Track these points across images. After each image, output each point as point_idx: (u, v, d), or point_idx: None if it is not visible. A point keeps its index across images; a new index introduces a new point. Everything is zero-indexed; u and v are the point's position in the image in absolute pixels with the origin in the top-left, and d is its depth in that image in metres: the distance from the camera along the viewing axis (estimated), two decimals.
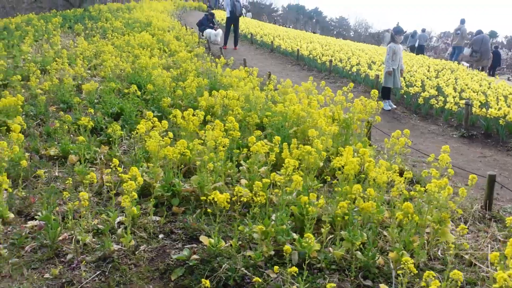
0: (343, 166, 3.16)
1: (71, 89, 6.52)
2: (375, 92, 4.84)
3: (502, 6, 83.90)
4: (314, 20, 44.25)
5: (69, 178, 3.52)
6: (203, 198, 3.23)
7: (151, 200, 3.22)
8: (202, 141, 3.65)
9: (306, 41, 12.60)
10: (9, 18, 13.44)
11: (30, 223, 3.23)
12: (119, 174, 3.22)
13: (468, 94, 6.79)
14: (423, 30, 16.55)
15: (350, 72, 8.47)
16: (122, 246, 2.88)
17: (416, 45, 15.75)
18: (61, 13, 14.78)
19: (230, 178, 3.69)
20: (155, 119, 4.11)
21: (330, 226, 2.93)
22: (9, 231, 3.15)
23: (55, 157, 4.43)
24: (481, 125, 6.20)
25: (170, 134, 3.72)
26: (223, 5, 26.32)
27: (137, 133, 3.86)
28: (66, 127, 4.54)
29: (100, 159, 4.33)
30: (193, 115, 4.18)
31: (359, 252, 2.80)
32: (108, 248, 2.80)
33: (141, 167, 3.78)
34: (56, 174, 4.06)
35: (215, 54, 10.04)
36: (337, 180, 3.39)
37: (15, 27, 11.96)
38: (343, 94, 5.01)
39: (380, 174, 3.10)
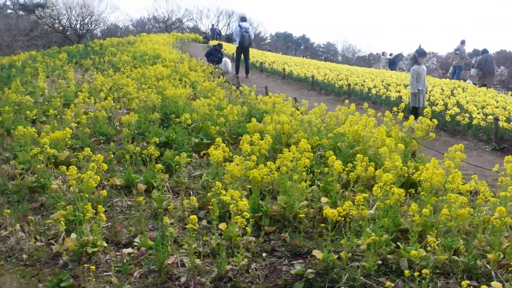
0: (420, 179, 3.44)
1: (104, 121, 6.70)
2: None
3: (481, 25, 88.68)
4: (302, 47, 46.04)
5: (151, 205, 3.67)
6: (301, 215, 3.46)
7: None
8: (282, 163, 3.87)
9: (313, 67, 13.20)
10: (11, 56, 13.61)
11: (126, 250, 3.35)
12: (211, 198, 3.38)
13: (490, 109, 7.28)
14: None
15: (370, 94, 8.93)
16: (233, 266, 3.03)
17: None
18: (64, 49, 15.05)
19: (311, 197, 3.90)
20: (223, 144, 4.34)
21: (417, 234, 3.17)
22: (108, 259, 3.26)
23: (119, 187, 4.57)
24: (510, 138, 6.64)
25: (254, 157, 3.93)
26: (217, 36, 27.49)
27: (207, 158, 4.08)
28: (128, 157, 4.69)
29: (167, 186, 4.48)
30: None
31: (455, 256, 3.05)
32: (223, 268, 2.94)
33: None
34: (129, 203, 4.20)
35: (230, 83, 10.41)
36: (415, 192, 3.68)
37: (21, 64, 12.14)
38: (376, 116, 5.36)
39: (461, 184, 3.39)
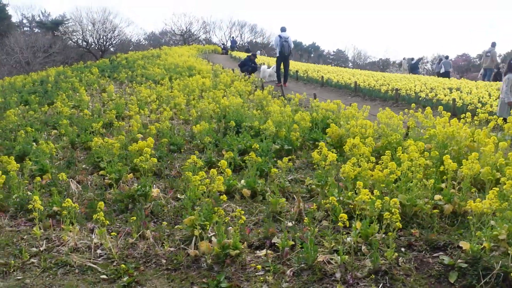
0: None
1: (168, 132, 6.84)
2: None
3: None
4: (312, 55, 46.78)
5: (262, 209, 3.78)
6: (435, 211, 3.58)
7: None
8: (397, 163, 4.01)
9: (346, 73, 13.45)
10: (39, 72, 13.84)
11: (263, 252, 3.45)
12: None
13: None
14: (446, 57, 17.82)
15: (420, 98, 9.10)
16: (385, 260, 3.14)
17: (442, 71, 16.88)
18: (91, 64, 15.29)
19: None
20: (326, 149, 4.49)
21: None
22: (250, 260, 3.36)
23: (220, 193, 4.69)
24: None
25: (373, 159, 4.07)
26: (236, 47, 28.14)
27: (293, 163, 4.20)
28: (226, 164, 4.81)
29: (269, 190, 4.61)
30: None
31: None
32: (378, 263, 3.05)
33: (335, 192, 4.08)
34: (241, 208, 4.31)
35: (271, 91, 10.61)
36: None
37: (54, 79, 12.34)
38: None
39: None
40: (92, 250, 3.62)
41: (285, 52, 11.49)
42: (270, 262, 3.23)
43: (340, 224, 3.27)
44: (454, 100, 8.09)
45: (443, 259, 3.10)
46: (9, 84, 12.48)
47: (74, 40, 25.67)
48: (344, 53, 51.26)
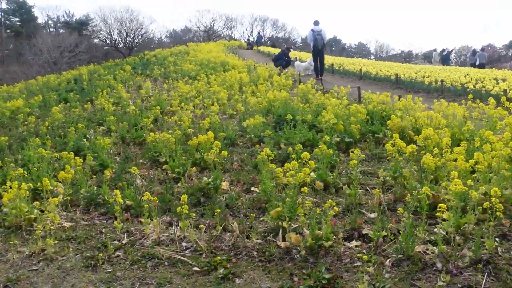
0: None
1: (219, 126, 6.85)
2: None
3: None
4: (333, 48, 46.64)
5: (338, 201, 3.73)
6: None
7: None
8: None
9: (383, 66, 13.29)
10: (69, 71, 14.10)
11: (353, 243, 3.42)
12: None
13: None
14: (482, 49, 17.48)
15: (468, 89, 8.90)
16: (484, 250, 3.07)
17: (477, 63, 16.55)
18: (122, 62, 15.47)
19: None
20: (399, 141, 4.42)
21: None
22: (345, 251, 3.33)
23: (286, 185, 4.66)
24: None
25: (436, 150, 4.02)
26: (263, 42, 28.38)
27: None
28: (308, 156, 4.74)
29: (340, 182, 4.57)
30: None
31: None
32: (479, 252, 2.99)
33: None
34: (317, 200, 4.28)
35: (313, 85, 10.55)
36: None
37: (88, 78, 12.52)
38: None
39: None
40: (177, 243, 3.64)
41: (318, 46, 11.46)
42: (366, 253, 3.20)
43: (439, 214, 3.22)
44: (505, 91, 7.90)
45: None
46: (44, 83, 12.71)
47: (102, 40, 26.22)
48: (366, 46, 51.17)
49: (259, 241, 3.55)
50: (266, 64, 14.01)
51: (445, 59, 18.87)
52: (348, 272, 3.06)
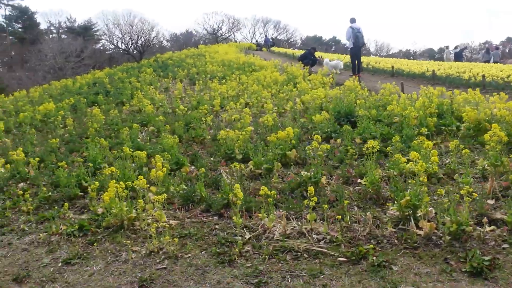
0: None
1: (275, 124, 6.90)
2: None
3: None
4: (332, 49, 47.48)
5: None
6: None
7: None
8: None
9: (410, 63, 13.57)
10: (83, 75, 13.98)
11: (488, 228, 3.49)
12: None
13: None
14: (497, 48, 17.98)
15: (511, 84, 9.15)
16: None
17: (491, 61, 16.96)
18: (138, 65, 15.42)
19: None
20: (499, 131, 4.55)
21: None
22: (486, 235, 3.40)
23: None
24: None
25: None
26: (271, 43, 28.94)
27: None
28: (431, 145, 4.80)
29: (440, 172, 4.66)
30: None
31: None
32: None
33: None
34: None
35: (339, 83, 10.69)
36: None
37: (108, 81, 12.42)
38: None
39: None
40: (307, 235, 3.67)
41: (360, 43, 11.61)
42: (507, 236, 3.29)
43: None
44: None
45: None
46: (62, 87, 12.57)
47: (113, 43, 26.09)
48: (365, 45, 52.50)
49: (393, 230, 3.61)
50: (292, 63, 14.13)
51: (458, 56, 19.32)
52: (500, 254, 3.14)
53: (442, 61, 18.37)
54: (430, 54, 49.21)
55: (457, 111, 6.41)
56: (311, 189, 3.79)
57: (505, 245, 3.24)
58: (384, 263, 3.13)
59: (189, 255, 3.59)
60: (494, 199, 4.01)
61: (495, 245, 3.27)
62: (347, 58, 13.79)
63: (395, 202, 3.80)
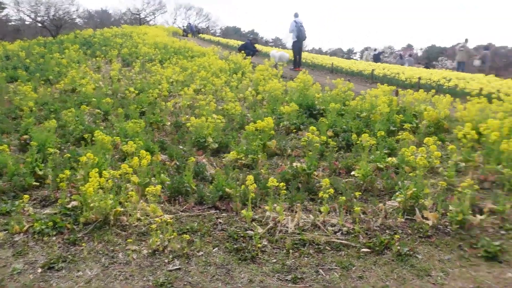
0: None
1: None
2: None
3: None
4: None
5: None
6: None
7: None
8: None
9: (350, 63, 14.31)
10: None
11: (479, 217, 3.87)
12: None
13: None
14: (410, 55, 19.82)
15: (444, 87, 10.15)
16: None
17: (406, 66, 18.66)
18: (62, 39, 13.84)
19: None
20: (470, 129, 5.07)
21: None
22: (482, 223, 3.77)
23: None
24: None
25: None
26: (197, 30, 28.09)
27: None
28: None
29: None
30: None
31: None
32: None
33: None
34: None
35: (286, 76, 10.88)
36: None
37: (25, 55, 10.91)
38: None
39: None
40: (321, 227, 3.69)
41: (302, 38, 11.89)
42: (501, 223, 3.71)
43: None
44: (481, 89, 9.24)
45: None
46: None
47: (27, 14, 22.63)
48: (282, 41, 54.63)
49: (403, 220, 3.80)
50: (230, 52, 13.93)
51: (376, 58, 21.01)
52: (501, 239, 3.52)
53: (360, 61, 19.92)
54: (338, 54, 52.91)
55: (411, 109, 6.98)
56: (326, 180, 3.81)
57: (503, 232, 3.64)
58: (408, 252, 3.30)
59: (201, 253, 3.37)
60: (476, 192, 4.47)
61: (494, 232, 3.65)
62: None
63: (399, 194, 4.01)
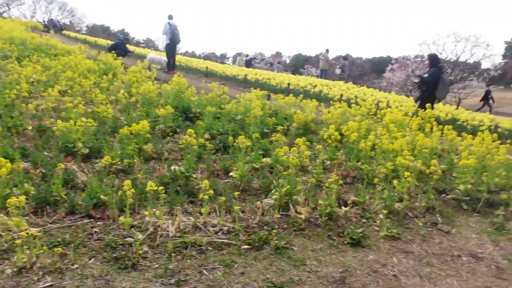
0: None
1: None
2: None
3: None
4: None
5: None
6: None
7: None
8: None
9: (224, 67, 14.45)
10: None
11: (344, 208, 4.40)
12: None
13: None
14: (279, 62, 21.10)
15: (311, 92, 11.02)
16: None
17: (276, 72, 19.85)
18: None
19: None
20: (333, 131, 5.66)
21: None
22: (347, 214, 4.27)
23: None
24: None
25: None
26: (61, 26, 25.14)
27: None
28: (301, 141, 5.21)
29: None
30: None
31: None
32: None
33: None
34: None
35: (160, 79, 10.68)
36: None
37: None
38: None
39: None
40: (202, 228, 3.74)
41: (176, 40, 11.72)
42: (362, 213, 4.27)
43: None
44: (341, 95, 10.39)
45: None
46: None
47: None
48: (154, 42, 53.56)
49: (278, 216, 4.07)
50: (99, 52, 12.99)
51: (248, 63, 21.95)
52: (362, 227, 4.04)
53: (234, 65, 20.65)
54: (212, 59, 54.17)
55: (282, 112, 7.51)
56: (205, 182, 3.87)
57: (364, 220, 4.18)
58: (285, 245, 3.56)
59: (76, 265, 3.13)
60: (340, 186, 5.02)
61: (357, 221, 4.17)
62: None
63: (275, 191, 4.29)
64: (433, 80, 8.26)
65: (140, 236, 3.54)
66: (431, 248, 3.77)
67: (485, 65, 32.28)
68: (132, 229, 3.64)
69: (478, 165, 5.13)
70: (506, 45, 47.23)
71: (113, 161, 4.82)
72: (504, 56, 42.48)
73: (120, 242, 3.42)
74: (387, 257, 3.54)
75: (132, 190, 3.63)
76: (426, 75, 8.58)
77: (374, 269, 3.34)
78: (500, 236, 4.16)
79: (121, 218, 3.64)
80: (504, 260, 3.69)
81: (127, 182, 3.63)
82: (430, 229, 4.17)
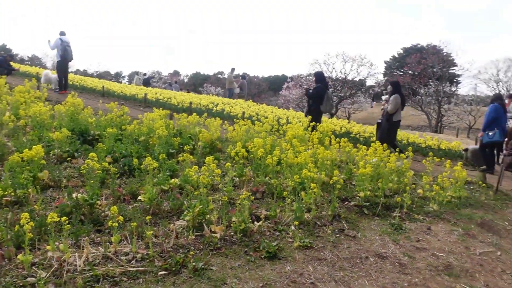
0: None
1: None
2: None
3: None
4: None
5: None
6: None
7: None
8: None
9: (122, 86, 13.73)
10: None
11: (257, 223, 4.55)
12: None
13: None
14: (176, 82, 20.94)
15: (214, 110, 11.07)
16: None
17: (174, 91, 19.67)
18: None
19: None
20: (240, 148, 5.82)
21: None
22: (261, 228, 4.40)
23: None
24: None
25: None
26: None
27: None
28: (210, 159, 5.18)
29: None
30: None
31: None
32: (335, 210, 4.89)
33: None
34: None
35: (51, 100, 9.94)
36: None
37: None
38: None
39: None
40: (114, 258, 3.57)
41: (69, 58, 10.98)
42: (275, 226, 4.45)
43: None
44: (243, 112, 10.68)
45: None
46: None
47: None
48: (41, 60, 49.79)
49: (193, 237, 4.05)
50: None
51: (146, 82, 21.39)
52: (276, 240, 4.21)
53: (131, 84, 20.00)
54: (106, 77, 51.81)
55: (187, 132, 7.51)
56: (114, 208, 3.70)
57: (277, 233, 4.35)
58: (203, 266, 3.55)
59: None
60: (251, 202, 5.15)
61: (271, 234, 4.32)
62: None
63: (187, 212, 4.26)
64: (317, 95, 9.00)
65: (43, 274, 3.25)
66: (342, 253, 4.08)
67: (369, 82, 35.85)
68: (34, 267, 3.33)
69: (373, 173, 5.69)
70: (385, 65, 53.05)
71: (5, 192, 4.37)
72: (384, 74, 47.59)
73: (21, 284, 3.11)
74: (303, 266, 3.73)
75: (32, 223, 3.32)
76: (311, 91, 9.35)
77: (293, 279, 3.49)
78: (398, 236, 4.65)
79: (19, 256, 3.31)
80: (405, 257, 4.14)
81: (25, 215, 3.32)
82: (338, 235, 4.50)
